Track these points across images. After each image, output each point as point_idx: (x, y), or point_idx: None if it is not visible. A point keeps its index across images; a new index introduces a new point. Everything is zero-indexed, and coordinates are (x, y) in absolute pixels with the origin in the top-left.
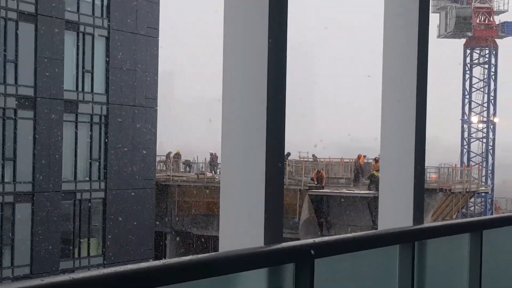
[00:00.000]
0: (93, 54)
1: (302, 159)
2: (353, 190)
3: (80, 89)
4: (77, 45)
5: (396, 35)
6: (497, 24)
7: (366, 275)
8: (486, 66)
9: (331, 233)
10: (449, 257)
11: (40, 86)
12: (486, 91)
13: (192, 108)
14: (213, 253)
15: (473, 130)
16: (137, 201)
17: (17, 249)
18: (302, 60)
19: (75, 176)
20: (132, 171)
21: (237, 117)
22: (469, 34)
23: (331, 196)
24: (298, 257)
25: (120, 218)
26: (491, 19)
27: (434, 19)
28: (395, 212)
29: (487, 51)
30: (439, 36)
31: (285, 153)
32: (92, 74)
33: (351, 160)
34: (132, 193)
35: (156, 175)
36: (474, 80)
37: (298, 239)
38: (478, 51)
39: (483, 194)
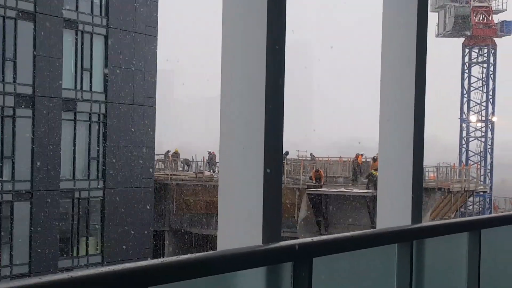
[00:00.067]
0: (91, 52)
1: (300, 158)
2: (351, 189)
3: (78, 87)
4: (76, 44)
5: (395, 34)
6: (496, 23)
7: (365, 274)
8: (485, 65)
9: (329, 232)
10: (448, 256)
11: (39, 85)
12: (485, 90)
13: (191, 107)
14: (211, 252)
15: (471, 129)
16: (135, 200)
17: (16, 248)
18: (301, 60)
19: (74, 174)
20: (130, 169)
21: (235, 116)
22: (468, 33)
23: (330, 195)
24: (297, 256)
25: (118, 217)
26: (490, 18)
27: (432, 18)
28: (393, 211)
29: (485, 50)
30: (437, 35)
31: (284, 152)
32: (90, 72)
33: (349, 159)
34: (131, 192)
35: (155, 173)
36: (473, 79)
37: (297, 238)
38: (476, 50)
39: (481, 193)
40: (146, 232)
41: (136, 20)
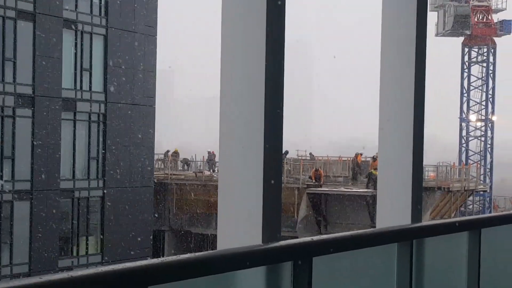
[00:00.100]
0: (91, 52)
1: (300, 158)
2: (351, 189)
3: (78, 87)
4: (75, 44)
5: (394, 34)
6: (496, 22)
7: (364, 273)
8: (485, 64)
9: (329, 231)
10: (448, 255)
11: (39, 85)
12: (485, 90)
13: (190, 107)
14: (211, 251)
15: (471, 128)
16: (135, 200)
17: (16, 247)
18: (301, 59)
19: (74, 174)
20: (130, 169)
21: (235, 116)
22: (468, 32)
23: (329, 194)
24: (297, 255)
25: (118, 217)
26: (490, 17)
27: (432, 18)
28: (393, 211)
29: (485, 50)
30: (437, 34)
31: (283, 152)
32: (90, 72)
33: (349, 159)
34: (131, 192)
35: (154, 173)
36: (473, 79)
37: (296, 238)
38: (476, 50)
39: (481, 192)
40: (145, 232)
41: (135, 20)
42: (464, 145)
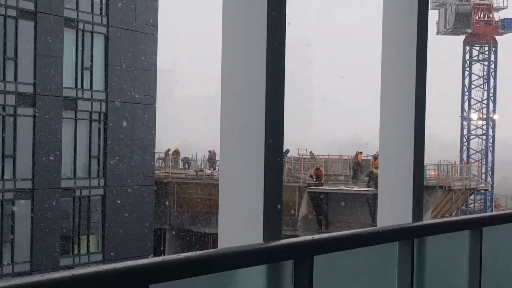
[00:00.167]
0: (92, 51)
1: (301, 156)
2: (352, 187)
3: (79, 86)
4: (76, 43)
5: (395, 32)
6: (497, 21)
7: (365, 272)
8: (486, 63)
9: (330, 230)
10: (449, 254)
11: (40, 84)
12: (486, 88)
13: (191, 106)
14: (212, 250)
15: (472, 127)
16: (136, 198)
17: (17, 246)
18: (301, 58)
19: (75, 173)
20: (131, 168)
21: (236, 115)
22: (469, 30)
23: (330, 193)
24: (297, 254)
25: (119, 215)
26: (491, 15)
27: (433, 16)
28: (394, 209)
29: (486, 48)
30: (438, 33)
31: (284, 150)
32: (91, 71)
33: (350, 157)
34: (132, 190)
35: (155, 172)
36: (474, 77)
37: (297, 236)
38: (477, 48)
39: (483, 191)
40: (146, 230)
41: (136, 19)
42: (465, 143)
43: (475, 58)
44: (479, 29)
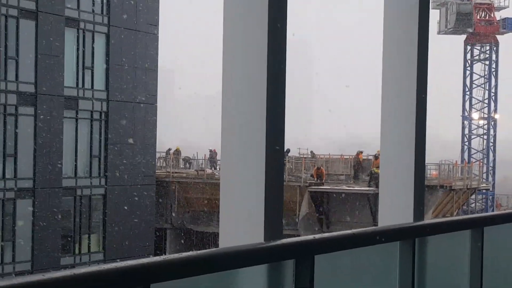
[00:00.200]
0: (93, 50)
1: (301, 156)
2: (353, 187)
3: (80, 85)
4: (78, 42)
5: (396, 32)
6: (498, 20)
7: (367, 271)
8: (487, 62)
9: (331, 229)
10: (450, 253)
11: (41, 83)
12: (487, 88)
13: (192, 106)
14: (213, 249)
15: (473, 126)
16: (137, 198)
17: (18, 245)
18: (302, 58)
19: (76, 172)
20: (132, 167)
21: (237, 115)
22: (470, 30)
23: (331, 192)
24: (298, 253)
25: (120, 214)
26: (492, 15)
27: (434, 15)
28: (395, 209)
29: (487, 47)
30: (439, 32)
31: (285, 150)
32: (92, 70)
33: (350, 157)
34: (132, 190)
35: (156, 171)
36: (475, 77)
37: (298, 236)
38: (478, 47)
39: (484, 191)
40: (147, 230)
41: (137, 19)
42: (467, 143)
43: (476, 57)
44: (480, 28)
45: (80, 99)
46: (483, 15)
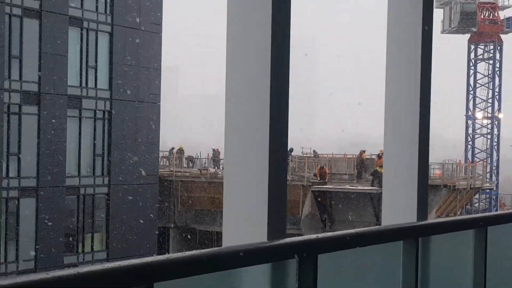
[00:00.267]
0: (96, 50)
1: (305, 155)
2: (356, 186)
3: (84, 84)
4: (81, 41)
5: (400, 31)
6: (502, 20)
7: (370, 271)
8: (491, 61)
9: (334, 229)
10: (453, 253)
11: (44, 82)
12: (491, 87)
13: (195, 105)
14: (216, 248)
15: (477, 126)
16: (140, 197)
17: (22, 244)
18: (305, 58)
19: (79, 171)
20: (135, 166)
21: (240, 114)
22: (474, 29)
23: (334, 192)
24: (302, 253)
25: (123, 213)
26: (496, 14)
27: (438, 15)
28: (398, 208)
29: (491, 47)
30: (443, 31)
31: (288, 149)
32: (95, 70)
33: (353, 156)
34: (136, 189)
35: (159, 170)
36: (479, 76)
37: (301, 235)
38: (482, 47)
39: (487, 190)
40: (151, 229)
41: (140, 17)
42: (470, 142)
43: (480, 57)
44: (484, 27)
45: (83, 98)
46: (487, 14)
